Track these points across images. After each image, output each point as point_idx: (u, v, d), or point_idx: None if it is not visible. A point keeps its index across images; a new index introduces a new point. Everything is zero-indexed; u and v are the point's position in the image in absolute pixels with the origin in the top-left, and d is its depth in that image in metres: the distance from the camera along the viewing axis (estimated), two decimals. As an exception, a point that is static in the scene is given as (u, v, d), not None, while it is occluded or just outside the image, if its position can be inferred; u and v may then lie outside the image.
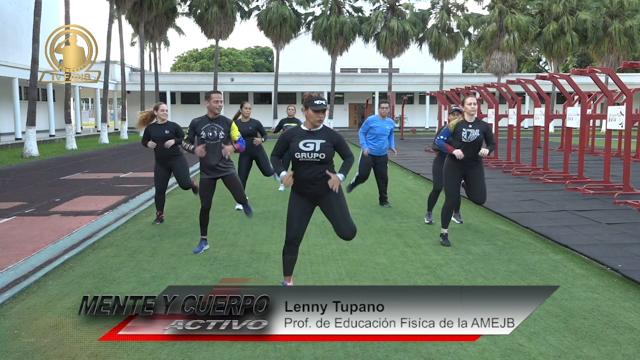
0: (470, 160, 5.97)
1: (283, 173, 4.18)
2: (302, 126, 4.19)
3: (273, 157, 4.28)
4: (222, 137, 5.59)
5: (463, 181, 6.24)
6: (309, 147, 4.08)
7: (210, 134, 5.56)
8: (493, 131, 6.25)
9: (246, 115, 8.25)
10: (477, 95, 19.07)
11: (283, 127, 9.29)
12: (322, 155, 4.08)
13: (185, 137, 5.77)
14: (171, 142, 6.89)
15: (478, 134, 5.89)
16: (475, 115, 6.03)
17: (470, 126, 5.91)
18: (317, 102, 4.07)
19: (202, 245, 5.90)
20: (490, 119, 15.71)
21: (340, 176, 4.18)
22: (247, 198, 6.14)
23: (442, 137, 6.09)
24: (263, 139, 8.47)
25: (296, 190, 4.26)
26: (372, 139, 8.19)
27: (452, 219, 7.19)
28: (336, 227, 4.28)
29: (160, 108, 6.98)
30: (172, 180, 7.67)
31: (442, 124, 18.46)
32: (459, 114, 6.95)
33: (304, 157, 4.09)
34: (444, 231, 6.23)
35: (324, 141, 4.10)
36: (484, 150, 5.88)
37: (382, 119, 8.17)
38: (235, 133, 5.73)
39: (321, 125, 4.16)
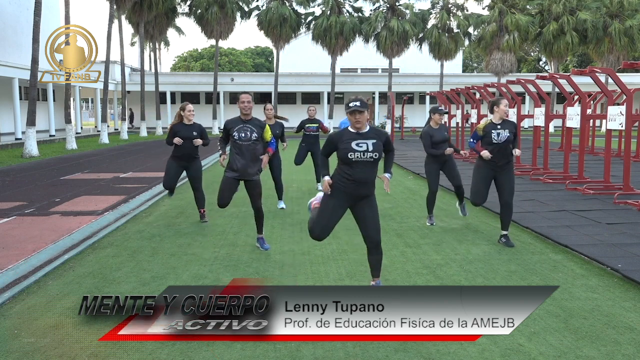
0: (502, 161, 5.96)
1: (326, 177, 4.19)
2: (350, 129, 4.13)
3: (321, 157, 4.31)
4: (254, 138, 5.65)
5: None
6: (361, 146, 4.05)
7: (243, 134, 5.62)
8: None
9: (269, 116, 7.96)
10: (477, 95, 19.07)
11: (304, 128, 9.34)
12: (375, 155, 4.07)
13: (219, 138, 5.88)
14: (199, 141, 7.03)
15: (508, 134, 5.91)
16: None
17: (499, 127, 5.94)
18: (351, 104, 4.04)
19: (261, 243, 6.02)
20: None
21: (388, 175, 4.33)
22: (262, 212, 5.98)
23: (472, 140, 6.26)
24: (285, 145, 8.45)
25: (343, 189, 4.18)
26: None
27: (458, 210, 7.43)
28: (364, 228, 4.28)
29: (187, 108, 7.07)
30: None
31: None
32: (441, 115, 6.93)
33: (357, 156, 4.05)
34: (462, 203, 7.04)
35: (374, 141, 4.09)
36: (518, 151, 5.99)
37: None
38: (268, 135, 5.79)
39: (368, 127, 4.13)
